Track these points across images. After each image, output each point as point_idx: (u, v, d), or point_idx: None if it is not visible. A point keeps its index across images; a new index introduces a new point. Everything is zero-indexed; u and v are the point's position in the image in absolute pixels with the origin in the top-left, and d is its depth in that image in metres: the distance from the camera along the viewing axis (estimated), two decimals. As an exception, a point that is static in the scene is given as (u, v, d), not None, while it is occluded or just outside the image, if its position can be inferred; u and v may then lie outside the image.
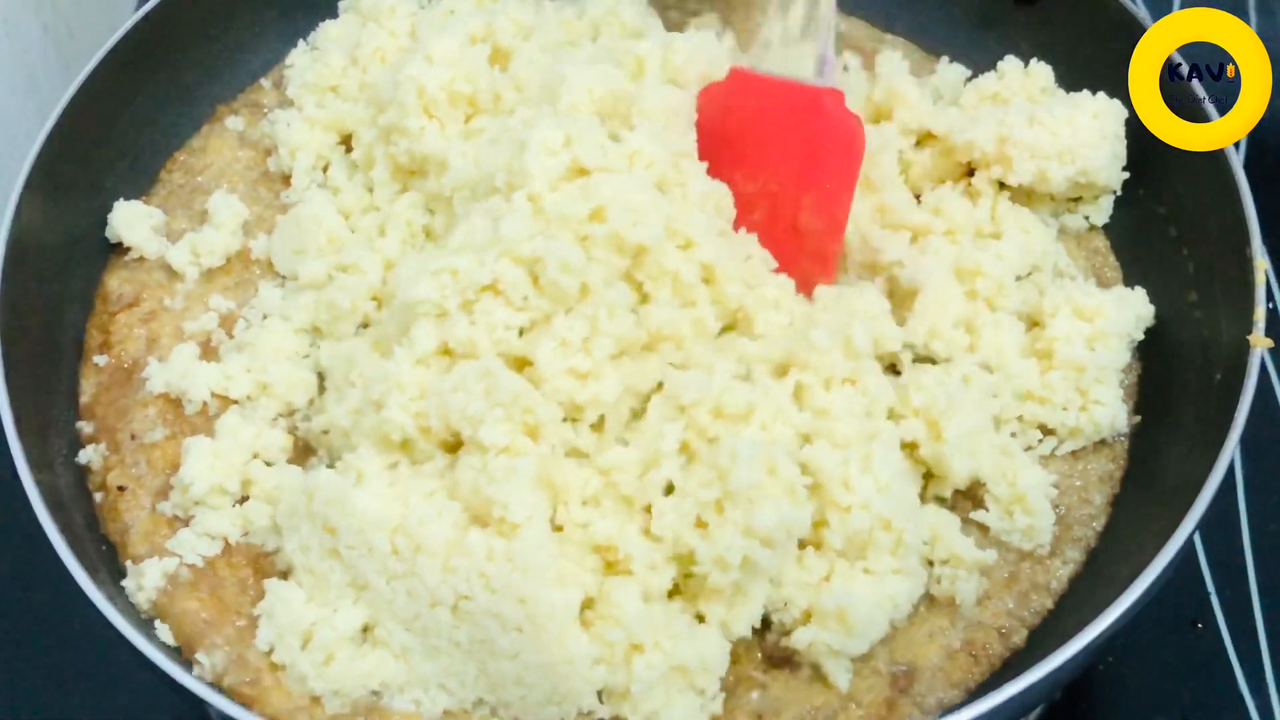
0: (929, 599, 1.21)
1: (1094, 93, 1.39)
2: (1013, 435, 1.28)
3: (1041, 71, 1.46)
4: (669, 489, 1.15)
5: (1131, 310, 1.31)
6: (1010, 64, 1.47)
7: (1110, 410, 1.27)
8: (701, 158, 1.29)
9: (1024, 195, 1.40)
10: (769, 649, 1.19)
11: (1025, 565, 1.23)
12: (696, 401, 1.16)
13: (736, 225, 1.29)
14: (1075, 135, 1.35)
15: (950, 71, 1.52)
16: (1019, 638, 1.19)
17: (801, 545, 1.17)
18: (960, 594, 1.20)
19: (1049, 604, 1.21)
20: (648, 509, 1.15)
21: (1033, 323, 1.33)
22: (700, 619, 1.16)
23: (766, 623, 1.19)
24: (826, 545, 1.16)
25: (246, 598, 1.20)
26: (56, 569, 1.12)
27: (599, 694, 1.13)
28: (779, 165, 1.30)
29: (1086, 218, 1.42)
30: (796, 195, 1.29)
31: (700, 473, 1.13)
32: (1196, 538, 1.31)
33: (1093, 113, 1.37)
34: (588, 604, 1.13)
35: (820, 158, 1.28)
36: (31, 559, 1.17)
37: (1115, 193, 1.41)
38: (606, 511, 1.15)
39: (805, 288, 1.30)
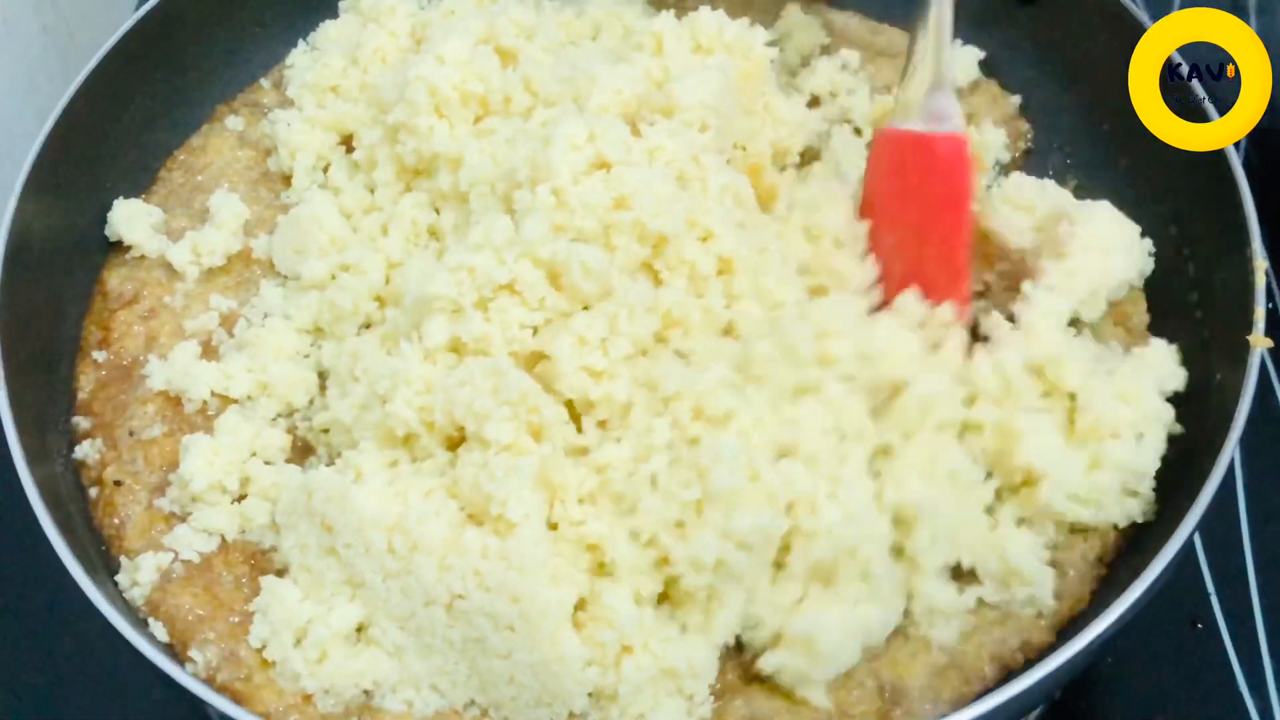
0: (905, 632, 1.19)
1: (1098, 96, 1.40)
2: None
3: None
4: (654, 483, 1.15)
5: (1168, 383, 1.26)
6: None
7: (1143, 503, 1.22)
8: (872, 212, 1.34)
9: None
10: (747, 665, 1.18)
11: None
12: (676, 395, 1.16)
13: (888, 282, 1.32)
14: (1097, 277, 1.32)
15: (964, 54, 1.52)
16: (1013, 663, 1.17)
17: (778, 567, 1.17)
18: (938, 638, 1.18)
19: (1048, 638, 1.18)
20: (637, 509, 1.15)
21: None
22: (684, 628, 1.16)
23: (741, 644, 1.18)
24: (795, 569, 1.15)
25: (241, 594, 1.20)
26: (54, 566, 1.12)
27: (589, 697, 1.12)
28: (907, 215, 1.32)
29: None
30: (921, 243, 1.31)
31: (682, 473, 1.13)
32: (1196, 538, 1.31)
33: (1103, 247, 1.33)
34: (580, 605, 1.13)
35: (932, 204, 1.31)
36: (29, 556, 1.17)
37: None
38: (601, 510, 1.15)
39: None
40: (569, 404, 1.20)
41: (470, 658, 1.12)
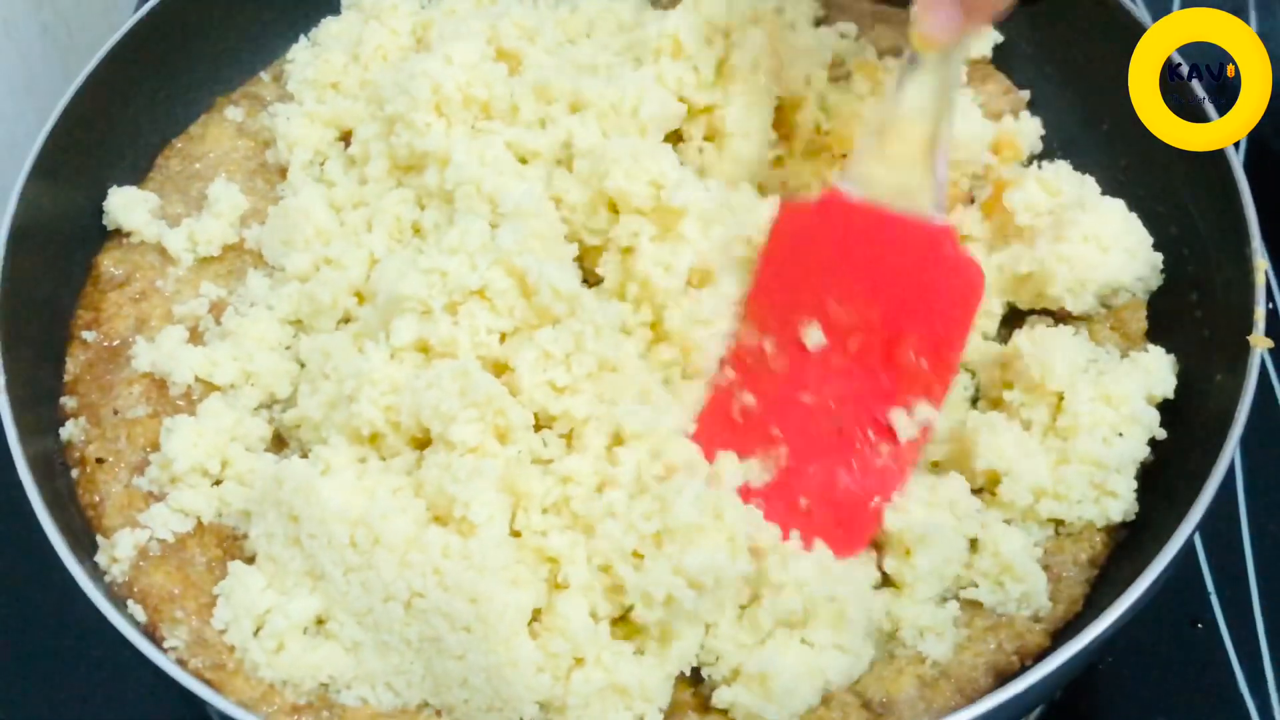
0: (891, 653, 1.18)
1: (1096, 97, 1.39)
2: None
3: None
4: (613, 511, 1.14)
5: (1157, 388, 1.25)
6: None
7: (1124, 503, 1.21)
8: (785, 277, 1.24)
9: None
10: (705, 696, 1.17)
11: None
12: (636, 435, 1.16)
13: (830, 353, 1.23)
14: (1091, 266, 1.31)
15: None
16: (1010, 669, 1.15)
17: (743, 609, 1.16)
18: (932, 654, 1.16)
19: (1044, 642, 1.16)
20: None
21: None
22: (640, 651, 1.16)
23: (700, 676, 1.18)
24: (762, 618, 1.15)
25: (212, 577, 1.20)
26: (51, 562, 1.13)
27: (540, 706, 1.12)
28: (884, 297, 1.21)
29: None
30: (901, 329, 1.21)
31: (645, 504, 1.13)
32: (1196, 538, 1.31)
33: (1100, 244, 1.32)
34: (536, 615, 1.13)
35: (934, 298, 1.20)
36: (26, 556, 1.18)
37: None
38: (564, 524, 1.15)
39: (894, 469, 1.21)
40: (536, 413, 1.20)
41: (425, 658, 1.12)
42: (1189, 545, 1.12)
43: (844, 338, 1.23)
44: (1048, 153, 1.50)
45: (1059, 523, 1.23)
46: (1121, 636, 1.09)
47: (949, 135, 1.18)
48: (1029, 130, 1.47)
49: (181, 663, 1.13)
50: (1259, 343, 1.19)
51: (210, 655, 1.15)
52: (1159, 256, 1.35)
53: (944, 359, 1.21)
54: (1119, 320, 1.35)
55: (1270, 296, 1.61)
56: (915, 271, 1.20)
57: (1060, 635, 1.16)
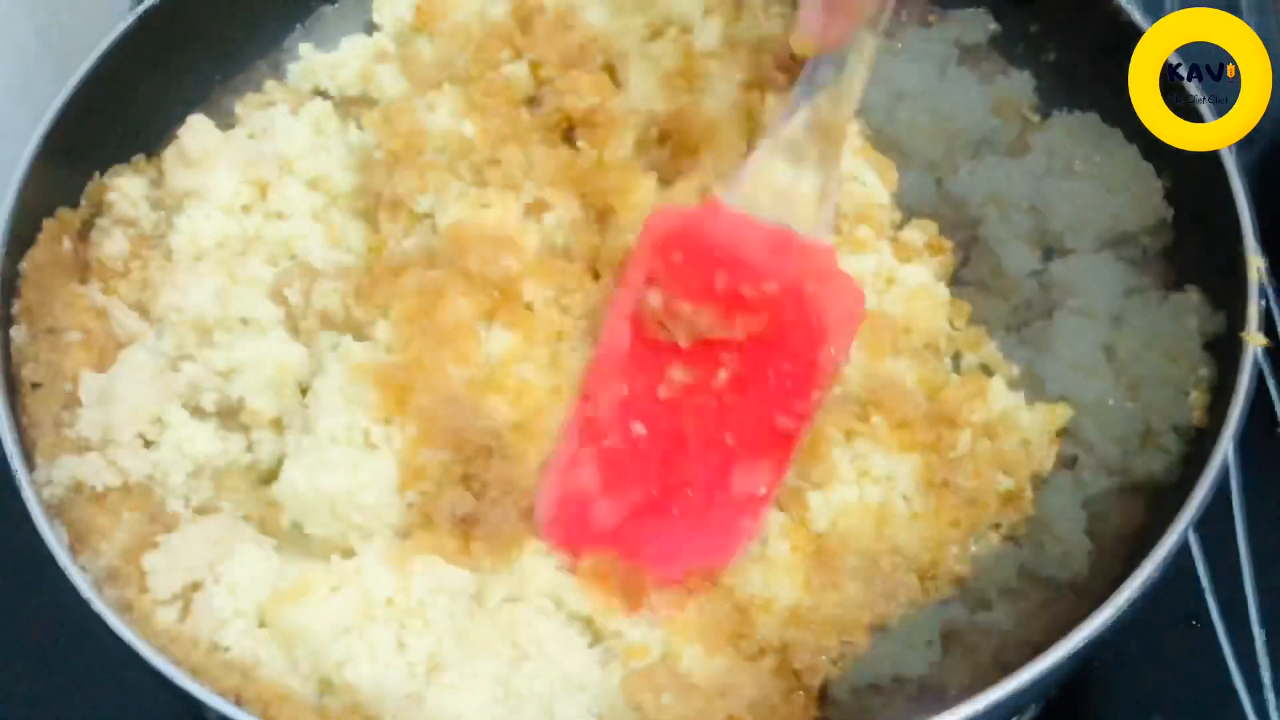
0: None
1: (1096, 99, 1.40)
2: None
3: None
4: None
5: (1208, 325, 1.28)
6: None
7: (1170, 459, 1.22)
8: (657, 285, 1.17)
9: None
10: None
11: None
12: None
13: (705, 372, 1.17)
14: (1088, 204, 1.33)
15: (976, 18, 1.53)
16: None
17: None
18: (997, 624, 1.17)
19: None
20: None
21: None
22: None
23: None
24: None
25: (140, 531, 1.19)
26: (48, 564, 1.13)
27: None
28: (756, 315, 1.15)
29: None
30: (771, 357, 1.15)
31: None
32: (1191, 536, 1.31)
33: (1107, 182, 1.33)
34: None
35: (811, 318, 1.14)
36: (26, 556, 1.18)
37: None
38: None
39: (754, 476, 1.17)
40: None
41: None
42: (1184, 543, 1.12)
43: (715, 356, 1.16)
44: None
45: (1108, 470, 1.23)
46: (1117, 634, 1.09)
47: (839, 159, 1.15)
48: (1021, 84, 1.47)
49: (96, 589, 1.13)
50: (1253, 340, 1.19)
51: (124, 589, 1.15)
52: (1169, 211, 1.34)
53: (809, 379, 1.14)
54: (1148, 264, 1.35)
55: (1264, 294, 1.61)
56: (794, 290, 1.13)
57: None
